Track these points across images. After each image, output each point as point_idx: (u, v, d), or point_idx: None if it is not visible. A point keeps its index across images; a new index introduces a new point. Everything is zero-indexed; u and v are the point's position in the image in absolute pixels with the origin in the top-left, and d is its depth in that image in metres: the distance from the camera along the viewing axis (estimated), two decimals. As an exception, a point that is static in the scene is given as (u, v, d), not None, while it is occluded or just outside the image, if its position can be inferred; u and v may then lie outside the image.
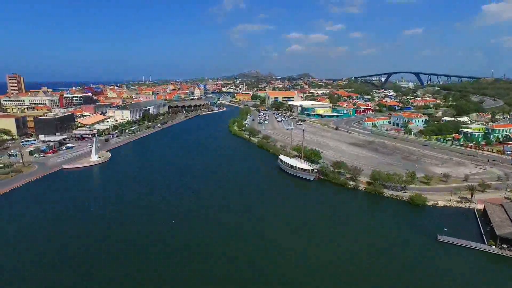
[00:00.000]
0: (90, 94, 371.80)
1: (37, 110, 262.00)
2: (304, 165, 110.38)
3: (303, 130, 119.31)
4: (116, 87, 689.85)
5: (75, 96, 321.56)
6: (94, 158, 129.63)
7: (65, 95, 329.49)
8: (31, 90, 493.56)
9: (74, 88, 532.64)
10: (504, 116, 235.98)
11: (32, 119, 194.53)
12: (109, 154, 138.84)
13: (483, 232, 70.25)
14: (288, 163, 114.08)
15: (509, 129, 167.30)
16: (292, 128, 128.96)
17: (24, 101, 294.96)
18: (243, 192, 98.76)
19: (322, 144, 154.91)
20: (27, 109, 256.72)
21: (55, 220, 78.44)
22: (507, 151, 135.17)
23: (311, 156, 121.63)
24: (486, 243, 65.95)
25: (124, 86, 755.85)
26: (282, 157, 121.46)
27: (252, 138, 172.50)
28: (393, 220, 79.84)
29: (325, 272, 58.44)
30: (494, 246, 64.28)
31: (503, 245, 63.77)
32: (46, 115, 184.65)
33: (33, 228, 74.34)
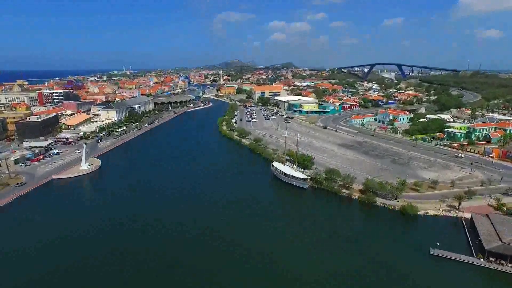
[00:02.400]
0: (70, 89, 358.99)
1: (15, 108, 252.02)
2: (298, 173, 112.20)
3: (297, 139, 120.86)
4: (96, 79, 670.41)
5: (55, 92, 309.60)
6: (84, 167, 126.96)
7: (44, 91, 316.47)
8: (4, 83, 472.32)
9: (52, 81, 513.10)
10: (483, 112, 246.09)
11: (12, 120, 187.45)
12: (99, 161, 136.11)
13: (471, 244, 74.45)
14: (282, 171, 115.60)
15: (489, 128, 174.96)
16: (286, 136, 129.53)
17: None
18: (238, 203, 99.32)
19: (313, 146, 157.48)
20: (4, 108, 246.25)
21: (53, 242, 77.17)
22: (488, 152, 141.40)
23: (304, 162, 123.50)
24: (475, 255, 70.16)
25: (105, 77, 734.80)
26: (275, 164, 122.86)
27: (243, 140, 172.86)
28: (387, 232, 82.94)
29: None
30: (482, 259, 68.47)
31: (490, 259, 68.06)
32: (29, 118, 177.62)
33: (31, 252, 73.03)
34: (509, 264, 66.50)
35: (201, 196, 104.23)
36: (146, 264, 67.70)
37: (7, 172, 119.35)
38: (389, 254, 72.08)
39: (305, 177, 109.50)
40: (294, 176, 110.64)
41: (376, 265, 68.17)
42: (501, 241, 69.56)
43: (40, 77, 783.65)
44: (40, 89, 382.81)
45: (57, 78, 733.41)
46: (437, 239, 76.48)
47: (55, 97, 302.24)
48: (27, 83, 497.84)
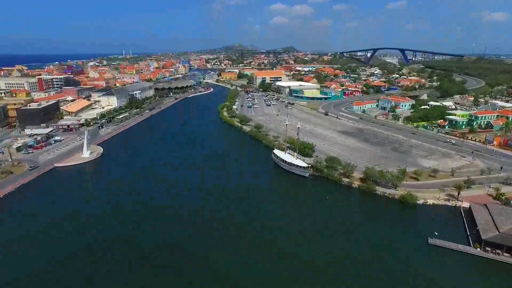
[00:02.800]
0: (70, 75, 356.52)
1: (15, 94, 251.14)
2: (299, 161, 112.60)
3: (298, 127, 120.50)
4: (96, 63, 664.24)
5: (55, 78, 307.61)
6: (86, 155, 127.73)
7: (43, 76, 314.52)
8: (3, 68, 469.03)
9: (51, 66, 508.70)
10: (486, 99, 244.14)
11: (13, 107, 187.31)
12: (101, 149, 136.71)
13: (469, 233, 75.50)
14: (282, 159, 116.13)
15: (491, 116, 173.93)
16: (287, 124, 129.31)
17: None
18: (239, 192, 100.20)
19: (314, 133, 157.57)
20: (4, 94, 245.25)
21: (57, 233, 78.61)
22: (489, 141, 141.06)
23: (304, 149, 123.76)
24: (472, 245, 71.33)
25: (105, 62, 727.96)
26: (276, 151, 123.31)
27: (244, 127, 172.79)
28: (386, 222, 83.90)
29: (315, 276, 62.36)
30: (479, 249, 69.67)
31: (487, 248, 69.24)
32: (30, 105, 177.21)
33: (34, 243, 74.52)
34: (505, 254, 67.67)
35: (202, 184, 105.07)
36: (148, 257, 68.86)
37: (10, 160, 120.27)
38: (387, 244, 73.25)
39: (305, 165, 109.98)
40: (294, 164, 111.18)
41: (374, 255, 69.46)
42: (498, 231, 70.53)
43: (39, 62, 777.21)
44: (40, 74, 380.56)
45: (57, 62, 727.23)
46: (436, 228, 77.70)
47: (55, 82, 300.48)
48: (26, 68, 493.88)
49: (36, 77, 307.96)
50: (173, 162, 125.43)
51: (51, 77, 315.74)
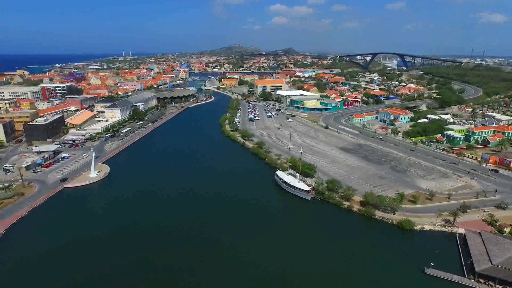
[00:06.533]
0: (72, 82, 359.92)
1: (19, 103, 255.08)
2: (301, 184, 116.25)
3: (301, 152, 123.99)
4: (96, 67, 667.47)
5: (58, 86, 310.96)
6: (93, 174, 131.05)
7: (46, 85, 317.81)
8: (5, 74, 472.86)
9: (53, 71, 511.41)
10: (484, 110, 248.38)
11: (19, 120, 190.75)
12: (108, 168, 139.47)
13: (463, 264, 79.33)
14: (285, 181, 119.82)
15: (488, 131, 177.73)
16: (289, 148, 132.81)
17: (3, 93, 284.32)
18: (241, 213, 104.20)
19: (314, 150, 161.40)
20: (9, 104, 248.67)
21: (69, 262, 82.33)
22: (485, 159, 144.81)
23: (306, 171, 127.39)
24: (467, 276, 75.17)
25: (105, 64, 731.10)
26: (279, 173, 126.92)
27: (246, 142, 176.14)
28: (384, 248, 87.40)
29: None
30: (473, 280, 73.51)
31: (480, 280, 73.09)
32: (36, 121, 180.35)
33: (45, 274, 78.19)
34: (497, 286, 71.51)
35: (206, 208, 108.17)
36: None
37: (20, 180, 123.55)
38: (384, 272, 76.87)
39: (308, 188, 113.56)
40: (297, 187, 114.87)
41: (371, 284, 73.21)
42: (491, 263, 74.40)
43: (40, 63, 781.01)
44: (41, 80, 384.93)
45: (57, 65, 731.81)
46: (432, 256, 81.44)
47: (58, 91, 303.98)
48: (27, 72, 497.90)
49: (40, 85, 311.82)
50: (177, 183, 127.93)
51: (54, 85, 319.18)
